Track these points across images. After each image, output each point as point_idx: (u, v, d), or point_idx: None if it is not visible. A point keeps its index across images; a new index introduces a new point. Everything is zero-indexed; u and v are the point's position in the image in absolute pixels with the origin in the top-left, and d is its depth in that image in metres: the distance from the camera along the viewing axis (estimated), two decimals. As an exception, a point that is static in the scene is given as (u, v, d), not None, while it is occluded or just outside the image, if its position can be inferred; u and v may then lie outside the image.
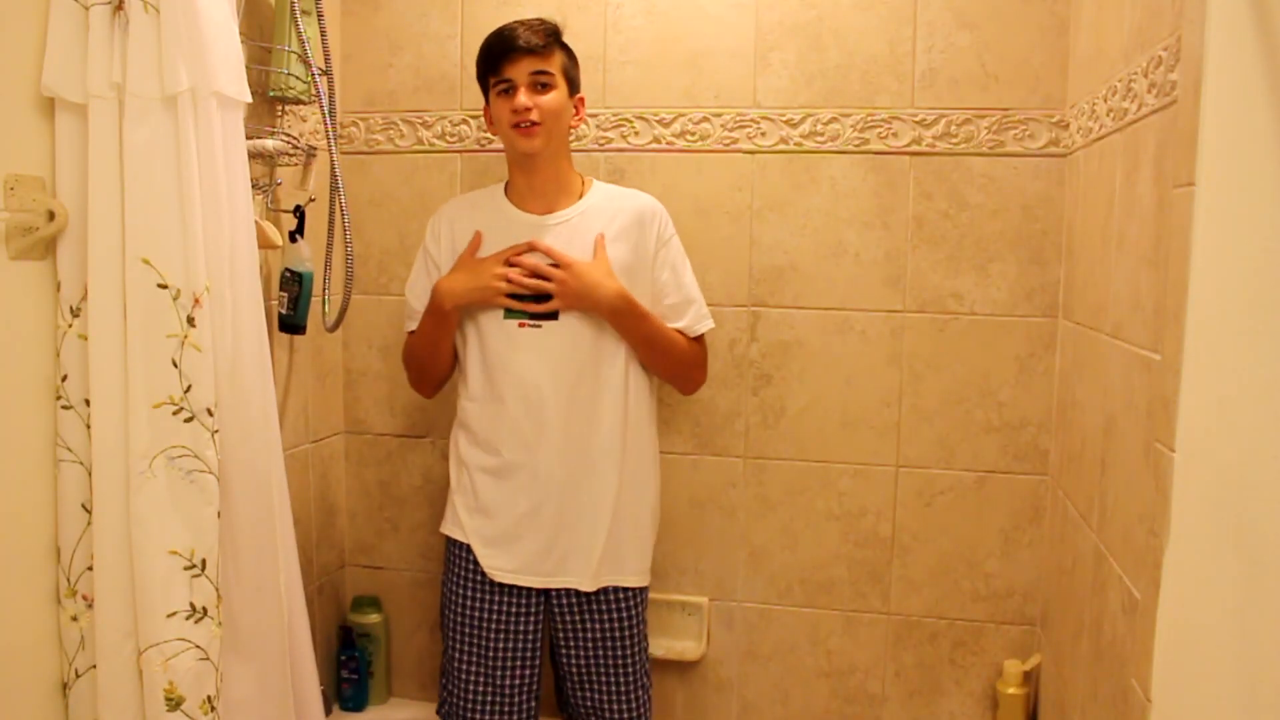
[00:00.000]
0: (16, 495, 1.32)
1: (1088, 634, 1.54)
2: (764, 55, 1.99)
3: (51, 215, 1.31)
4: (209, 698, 1.37)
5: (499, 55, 1.66)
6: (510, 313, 1.70)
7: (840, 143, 1.97)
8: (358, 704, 2.18)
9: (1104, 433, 1.51)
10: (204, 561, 1.37)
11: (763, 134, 2.00)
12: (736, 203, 2.02)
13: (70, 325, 1.35)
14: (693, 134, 2.03)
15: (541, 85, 1.66)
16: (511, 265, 1.68)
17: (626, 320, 1.70)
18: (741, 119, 2.01)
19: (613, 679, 1.78)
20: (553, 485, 1.70)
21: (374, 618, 2.20)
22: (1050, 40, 1.88)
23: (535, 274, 1.67)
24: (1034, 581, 1.98)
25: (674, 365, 1.80)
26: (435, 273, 1.77)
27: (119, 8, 1.31)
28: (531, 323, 1.70)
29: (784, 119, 1.99)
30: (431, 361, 1.80)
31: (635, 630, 1.79)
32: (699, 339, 1.82)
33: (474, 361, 1.75)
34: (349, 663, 2.17)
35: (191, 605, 1.36)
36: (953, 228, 1.95)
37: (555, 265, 1.67)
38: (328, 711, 2.05)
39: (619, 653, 1.77)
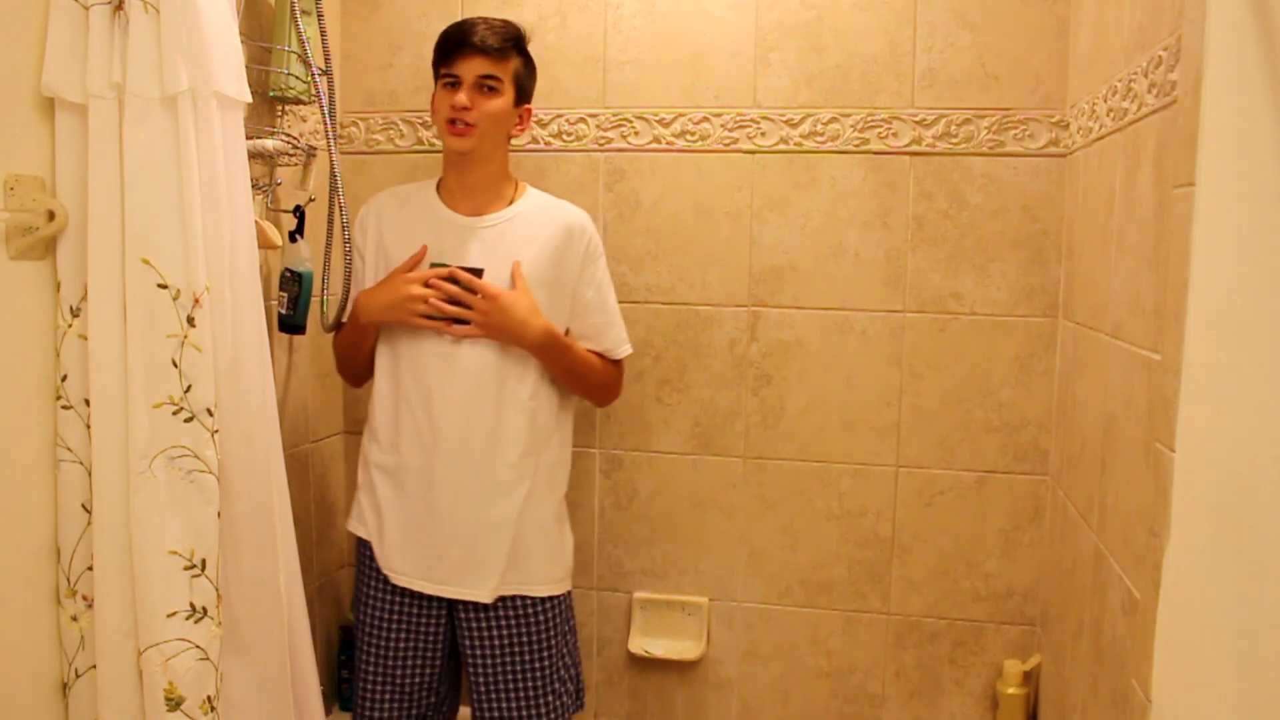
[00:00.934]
0: (16, 495, 1.32)
1: (1088, 634, 1.54)
2: (764, 55, 1.99)
3: (51, 215, 1.31)
4: (209, 698, 1.37)
5: (451, 48, 1.64)
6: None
7: (840, 143, 1.97)
8: (358, 704, 2.18)
9: (1104, 433, 1.51)
10: (204, 561, 1.36)
11: (763, 134, 2.00)
12: (736, 203, 2.02)
13: (70, 325, 1.35)
14: (693, 134, 2.03)
15: (488, 88, 1.64)
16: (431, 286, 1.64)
17: (551, 354, 1.68)
18: (741, 119, 2.01)
19: (518, 692, 1.71)
20: (447, 492, 1.65)
21: (374, 618, 2.20)
22: (1050, 40, 1.89)
23: (453, 299, 1.62)
24: (1034, 581, 1.98)
25: (590, 389, 1.80)
26: (360, 262, 1.77)
27: (119, 8, 1.31)
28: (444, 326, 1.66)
29: (784, 119, 1.99)
30: (353, 361, 1.80)
31: (546, 641, 1.72)
32: (617, 361, 1.80)
33: (383, 359, 1.73)
34: (349, 663, 2.16)
35: (191, 605, 1.35)
36: (953, 228, 1.95)
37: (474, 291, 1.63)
38: (328, 711, 2.05)
39: (525, 664, 1.71)
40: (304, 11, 1.81)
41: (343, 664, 2.17)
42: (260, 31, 1.84)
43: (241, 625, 1.45)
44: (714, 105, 2.02)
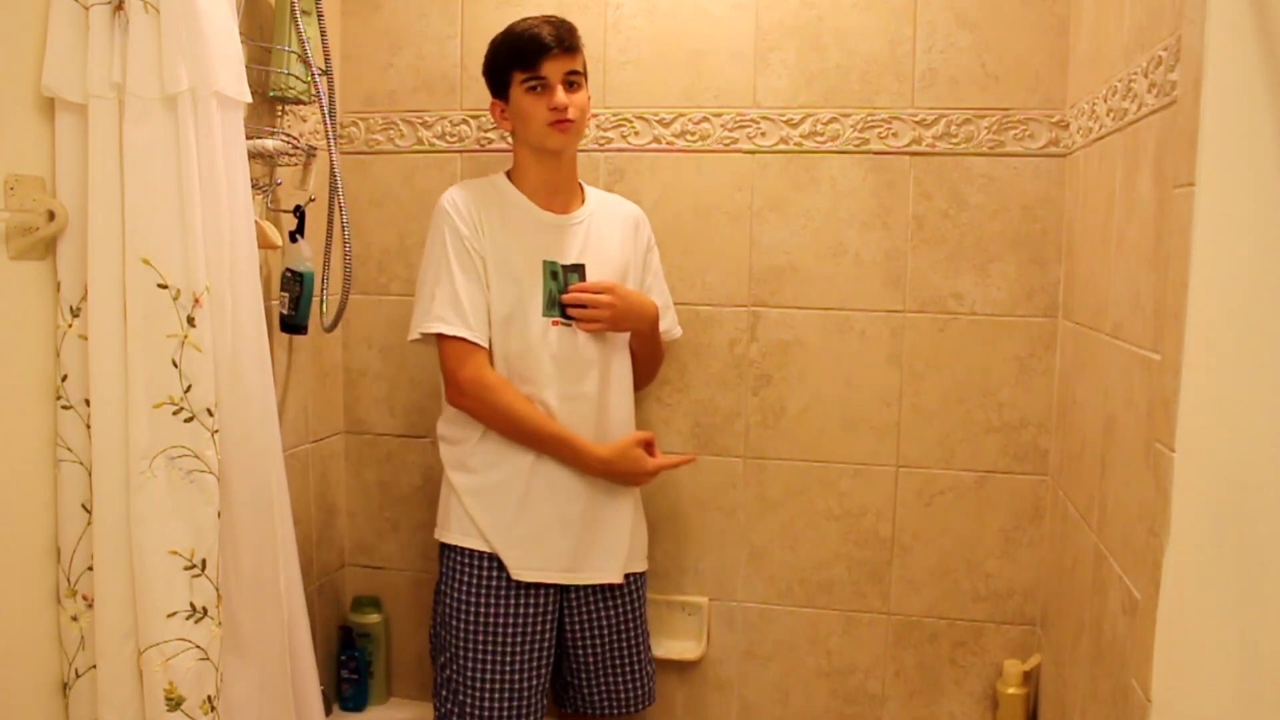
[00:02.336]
0: (16, 495, 1.32)
1: (1088, 634, 1.54)
2: (764, 55, 1.99)
3: (51, 215, 1.31)
4: (209, 698, 1.37)
5: (535, 53, 1.66)
6: (547, 310, 1.72)
7: (840, 143, 1.97)
8: (358, 704, 2.18)
9: (1104, 433, 1.51)
10: (204, 561, 1.37)
11: (763, 134, 2.00)
12: (736, 203, 2.02)
13: (70, 325, 1.35)
14: (693, 134, 2.03)
15: (572, 84, 1.69)
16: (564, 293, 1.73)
17: (656, 330, 1.83)
18: (741, 119, 2.01)
19: (627, 664, 1.83)
20: (584, 480, 1.74)
21: (374, 618, 2.20)
22: (1050, 40, 1.89)
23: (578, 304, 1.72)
24: (1034, 581, 1.98)
25: (656, 367, 1.93)
26: (478, 259, 1.68)
27: (119, 8, 1.31)
28: (564, 321, 1.73)
29: (784, 119, 1.99)
30: (504, 429, 1.71)
31: (642, 613, 1.87)
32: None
33: (503, 362, 1.71)
34: (349, 663, 2.17)
35: (191, 605, 1.36)
36: (953, 228, 1.95)
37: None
38: (328, 711, 2.05)
39: (632, 637, 1.83)
40: (304, 11, 1.81)
41: (343, 664, 2.17)
42: (260, 31, 1.84)
43: (241, 625, 1.46)
44: (714, 105, 2.02)
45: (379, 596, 2.23)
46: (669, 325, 1.90)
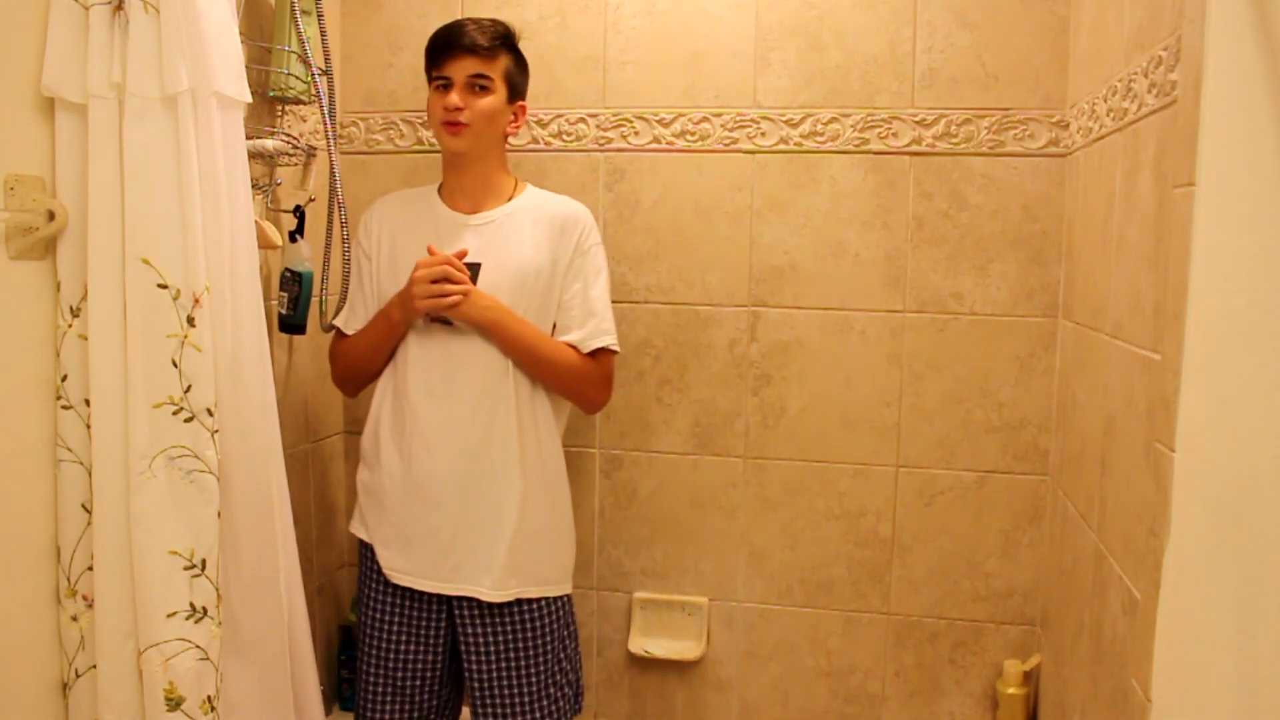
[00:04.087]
0: (16, 495, 1.32)
1: (1088, 634, 1.54)
2: (764, 55, 1.99)
3: (51, 215, 1.31)
4: (209, 698, 1.37)
5: (441, 50, 1.66)
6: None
7: (840, 143, 1.97)
8: (358, 704, 2.18)
9: (1104, 433, 1.51)
10: (204, 561, 1.36)
11: (763, 134, 2.00)
12: (736, 203, 2.02)
13: (70, 325, 1.35)
14: (693, 134, 2.03)
15: (480, 88, 1.66)
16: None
17: (500, 333, 1.65)
18: (741, 119, 2.01)
19: (517, 694, 1.70)
20: (450, 486, 1.66)
21: (374, 618, 2.20)
22: (1050, 40, 1.89)
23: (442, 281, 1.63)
24: (1034, 581, 1.98)
25: (561, 380, 1.72)
26: (367, 265, 1.77)
27: (119, 8, 1.31)
28: (441, 319, 1.67)
29: (784, 119, 1.99)
30: (369, 366, 1.76)
31: (545, 643, 1.72)
32: (599, 356, 1.74)
33: (391, 359, 1.75)
34: (349, 663, 2.17)
35: (191, 605, 1.35)
36: (953, 228, 1.95)
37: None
38: (328, 711, 2.05)
39: (524, 666, 1.70)
40: (304, 11, 1.81)
41: (343, 664, 2.17)
42: (260, 31, 1.84)
43: (241, 625, 1.45)
44: (714, 105, 2.02)
45: (379, 596, 2.23)
46: (585, 335, 1.71)
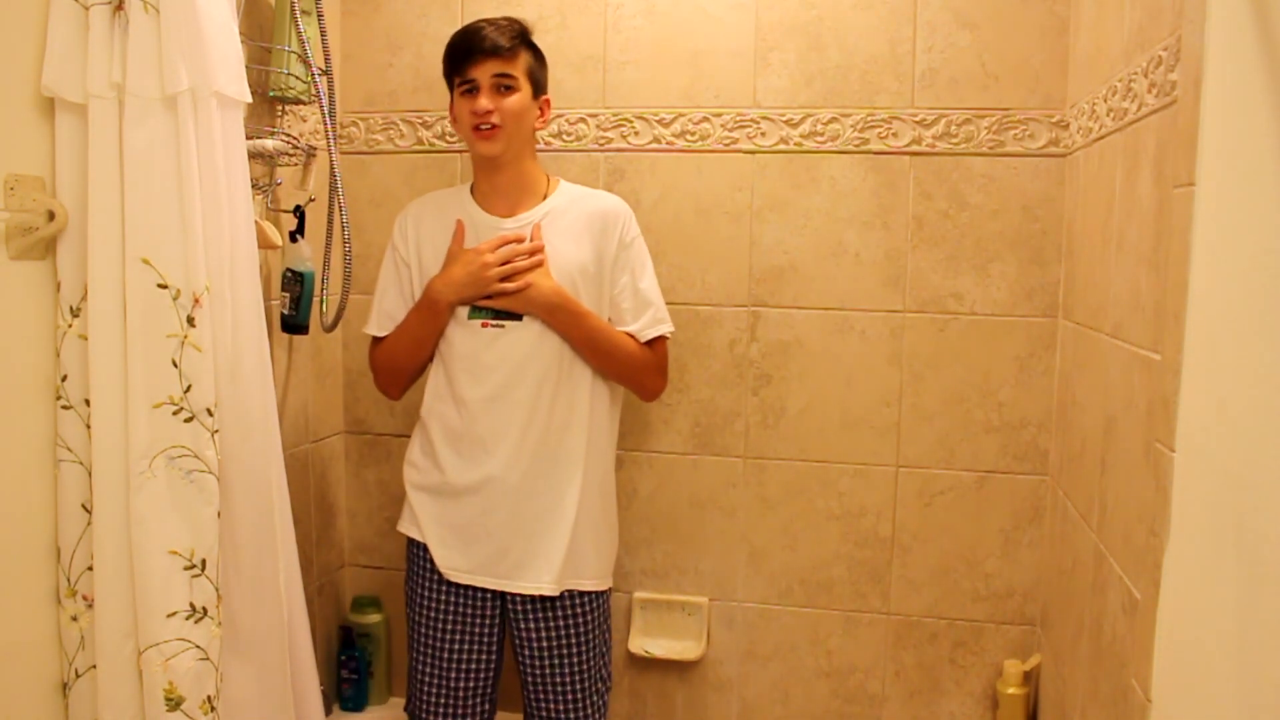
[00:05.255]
0: (16, 495, 1.32)
1: (1088, 634, 1.54)
2: (764, 55, 1.99)
3: (51, 215, 1.31)
4: (209, 698, 1.37)
5: (463, 55, 1.65)
6: (475, 312, 1.69)
7: (840, 143, 1.97)
8: (358, 704, 2.18)
9: (1104, 433, 1.51)
10: (204, 561, 1.36)
11: (763, 134, 2.00)
12: (736, 203, 2.02)
13: (70, 325, 1.35)
14: (693, 134, 2.03)
15: (505, 88, 1.66)
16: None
17: (562, 318, 1.67)
18: (741, 119, 2.01)
19: (568, 685, 1.75)
20: (509, 487, 1.68)
21: (374, 618, 2.20)
22: (1050, 40, 1.89)
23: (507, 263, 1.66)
24: (1034, 581, 1.98)
25: (622, 369, 1.74)
26: (405, 271, 1.77)
27: (119, 8, 1.31)
28: (495, 323, 1.69)
29: (784, 119, 1.99)
30: (413, 361, 1.77)
31: (593, 635, 1.76)
32: (655, 344, 1.77)
33: (436, 362, 1.76)
34: (349, 663, 2.17)
35: (191, 605, 1.36)
36: (953, 228, 1.95)
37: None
38: (328, 711, 2.05)
39: (575, 658, 1.74)
40: (304, 11, 1.81)
41: (343, 664, 2.17)
42: (260, 31, 1.84)
43: (241, 625, 1.45)
44: (714, 105, 2.02)
45: (379, 596, 2.23)
46: (644, 324, 1.75)
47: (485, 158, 1.69)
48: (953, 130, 1.93)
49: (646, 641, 2.11)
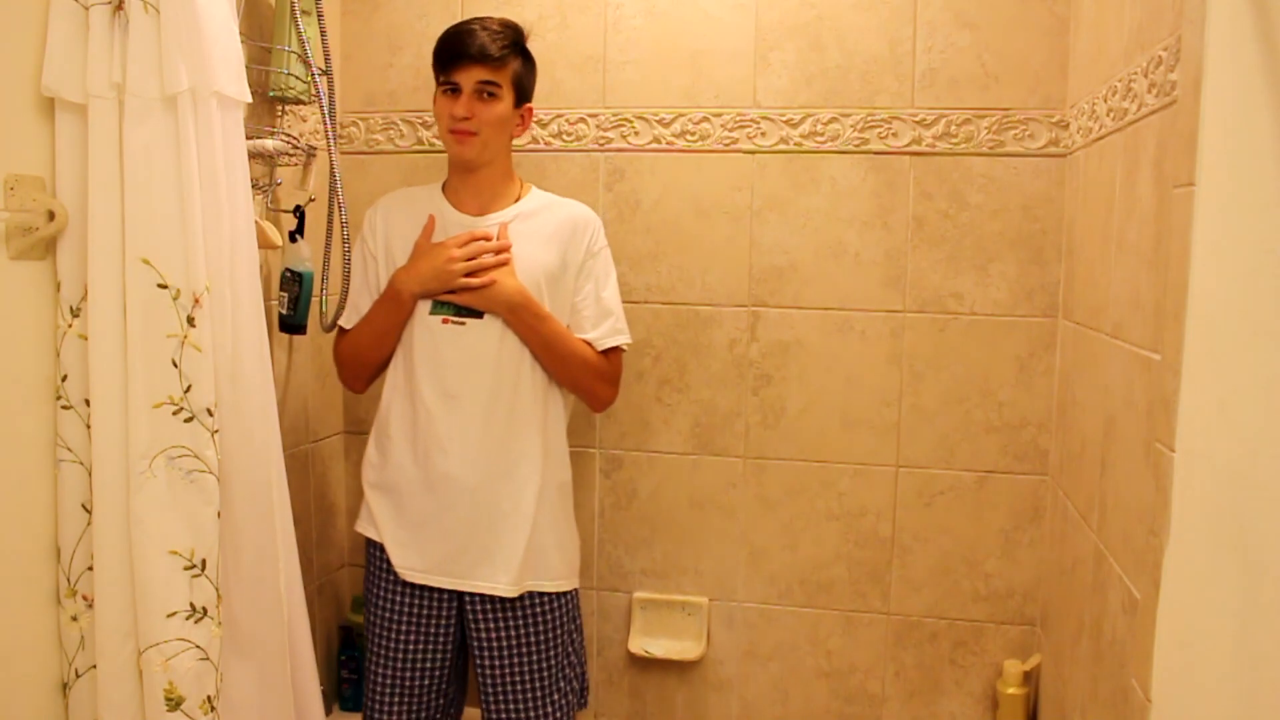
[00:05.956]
0: (16, 495, 1.32)
1: (1088, 634, 1.54)
2: (764, 55, 1.99)
3: (51, 215, 1.31)
4: (209, 698, 1.37)
5: (449, 57, 1.64)
6: (437, 307, 1.68)
7: (840, 143, 1.97)
8: (358, 704, 2.18)
9: (1104, 433, 1.51)
10: (204, 561, 1.36)
11: (763, 134, 2.00)
12: (736, 203, 2.02)
13: (70, 325, 1.35)
14: (693, 134, 2.03)
15: (488, 94, 1.64)
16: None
17: (524, 318, 1.66)
18: (741, 119, 2.01)
19: (526, 687, 1.72)
20: (466, 485, 1.66)
21: (374, 618, 2.20)
22: (1050, 40, 1.89)
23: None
24: (1034, 581, 1.98)
25: (576, 374, 1.73)
26: (373, 264, 1.76)
27: (119, 8, 1.31)
28: (456, 319, 1.68)
29: (784, 119, 1.99)
30: (376, 353, 1.75)
31: (556, 637, 1.74)
32: (610, 355, 1.76)
33: (395, 358, 1.74)
34: (349, 663, 2.17)
35: (191, 605, 1.35)
36: (953, 228, 1.95)
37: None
38: (328, 711, 2.05)
39: (535, 660, 1.72)
40: (304, 11, 1.81)
41: (343, 664, 2.17)
42: (260, 31, 1.84)
43: (241, 625, 1.45)
44: (714, 105, 2.02)
45: (379, 596, 2.23)
46: (602, 333, 1.73)
47: (458, 160, 1.70)
48: (953, 130, 1.93)
49: (646, 641, 2.11)
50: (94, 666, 1.37)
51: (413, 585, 1.71)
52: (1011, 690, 1.93)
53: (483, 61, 1.62)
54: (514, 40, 1.67)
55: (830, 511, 2.05)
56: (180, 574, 1.35)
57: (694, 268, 2.05)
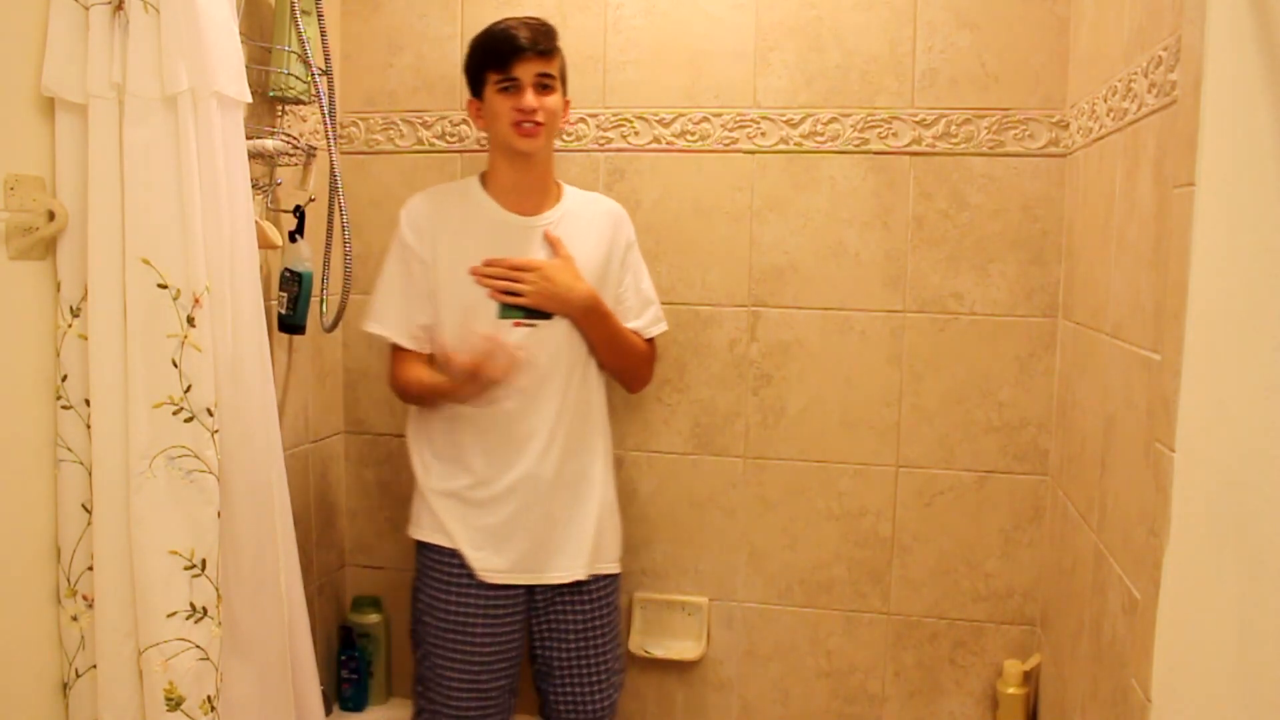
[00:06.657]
0: (16, 495, 1.32)
1: (1088, 634, 1.54)
2: (764, 55, 1.99)
3: (51, 215, 1.31)
4: (209, 698, 1.37)
5: (508, 54, 1.66)
6: (506, 311, 1.70)
7: (840, 143, 1.97)
8: (358, 704, 2.18)
9: (1104, 433, 1.51)
10: (204, 561, 1.36)
11: (763, 134, 2.00)
12: (736, 203, 2.02)
13: (70, 325, 1.35)
14: (693, 134, 2.03)
15: (544, 86, 1.69)
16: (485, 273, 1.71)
17: (594, 320, 1.74)
18: (741, 119, 2.01)
19: (591, 670, 1.80)
20: (543, 482, 1.72)
21: (374, 618, 2.20)
22: (1050, 40, 1.89)
23: (506, 280, 1.69)
24: (1034, 581, 1.98)
25: (630, 364, 1.85)
26: (419, 268, 1.73)
27: (119, 8, 1.31)
28: (527, 322, 1.71)
29: (784, 119, 1.99)
30: (431, 405, 1.77)
31: (614, 617, 1.84)
32: (650, 340, 1.88)
33: None
34: (349, 663, 2.17)
35: (191, 605, 1.36)
36: (953, 228, 1.95)
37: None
38: (328, 711, 2.05)
39: (599, 641, 1.81)
40: (304, 11, 1.81)
41: (343, 664, 2.17)
42: (260, 31, 1.84)
43: (241, 625, 1.45)
44: (714, 105, 2.02)
45: (379, 596, 2.23)
46: (647, 322, 1.85)
47: (523, 154, 1.71)
48: (953, 130, 1.93)
49: (646, 641, 2.11)
50: (94, 666, 1.37)
51: (489, 586, 1.73)
52: (1011, 690, 1.93)
53: (541, 54, 1.67)
54: (556, 34, 1.72)
55: (830, 511, 2.05)
56: (180, 574, 1.35)
57: (694, 268, 2.05)
